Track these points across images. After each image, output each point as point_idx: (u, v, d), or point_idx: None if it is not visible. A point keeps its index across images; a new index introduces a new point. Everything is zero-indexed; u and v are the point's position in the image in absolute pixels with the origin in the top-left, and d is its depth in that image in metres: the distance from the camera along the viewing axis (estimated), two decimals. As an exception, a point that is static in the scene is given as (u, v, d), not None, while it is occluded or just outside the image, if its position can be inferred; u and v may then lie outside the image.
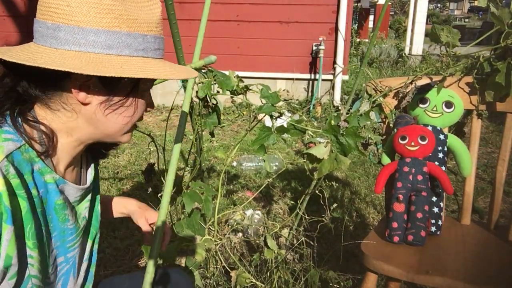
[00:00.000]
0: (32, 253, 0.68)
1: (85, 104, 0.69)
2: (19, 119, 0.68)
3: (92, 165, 0.88)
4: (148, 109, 0.78)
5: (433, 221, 1.40)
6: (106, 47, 0.64)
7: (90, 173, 0.86)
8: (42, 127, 0.69)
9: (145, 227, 1.05)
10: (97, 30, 0.63)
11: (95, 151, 0.88)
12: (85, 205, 0.83)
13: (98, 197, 0.91)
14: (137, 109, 0.74)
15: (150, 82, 0.75)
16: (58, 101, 0.69)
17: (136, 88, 0.72)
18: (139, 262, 1.97)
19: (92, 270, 0.90)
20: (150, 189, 1.48)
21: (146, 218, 1.06)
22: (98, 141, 0.77)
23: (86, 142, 0.76)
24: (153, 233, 1.02)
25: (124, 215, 1.10)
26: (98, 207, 0.91)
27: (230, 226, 2.05)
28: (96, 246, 0.91)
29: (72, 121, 0.71)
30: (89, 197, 0.85)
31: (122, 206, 1.08)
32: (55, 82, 0.67)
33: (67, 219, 0.77)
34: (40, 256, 0.70)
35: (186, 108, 1.31)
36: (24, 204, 0.65)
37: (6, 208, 0.61)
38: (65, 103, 0.69)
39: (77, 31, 0.63)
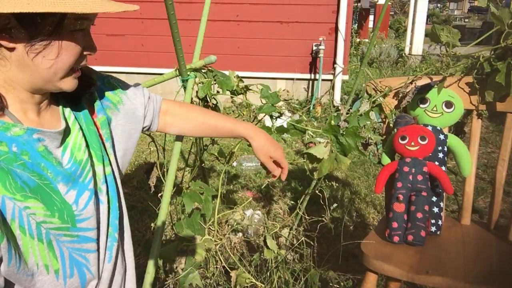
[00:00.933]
0: (26, 204, 0.69)
1: (11, 50, 0.67)
2: None
3: (60, 106, 0.85)
4: (87, 52, 0.74)
5: (433, 221, 1.40)
6: None
7: (72, 113, 0.85)
8: None
9: (268, 165, 1.09)
10: None
11: (70, 99, 0.86)
12: (78, 136, 0.83)
13: (89, 120, 0.88)
14: (63, 50, 0.70)
15: (80, 20, 0.69)
16: None
17: (59, 28, 0.67)
18: (140, 262, 1.97)
19: (111, 195, 0.88)
20: (153, 184, 1.47)
21: (271, 156, 1.08)
22: (46, 91, 0.76)
23: (34, 92, 0.74)
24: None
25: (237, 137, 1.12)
26: (92, 129, 0.87)
27: (230, 226, 2.05)
28: (108, 168, 0.88)
29: (8, 71, 0.70)
30: (76, 126, 0.84)
31: (240, 137, 1.09)
32: None
33: (59, 162, 0.77)
34: (43, 203, 0.71)
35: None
36: None
37: None
38: None
39: None
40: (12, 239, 0.68)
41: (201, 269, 1.78)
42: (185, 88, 1.39)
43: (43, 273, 0.72)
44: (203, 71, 1.40)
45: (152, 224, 2.21)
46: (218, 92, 1.43)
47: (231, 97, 1.47)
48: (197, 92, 1.41)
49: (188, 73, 1.38)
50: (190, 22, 4.20)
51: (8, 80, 0.71)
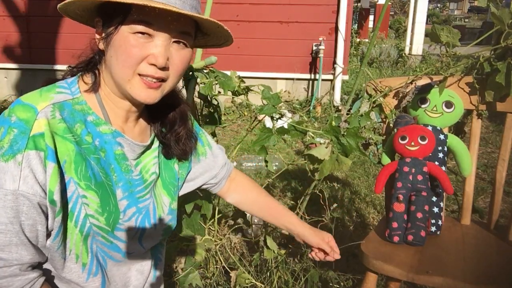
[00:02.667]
0: (85, 193, 0.75)
1: (99, 47, 0.78)
2: (84, 73, 0.80)
3: (156, 127, 0.90)
4: (151, 62, 0.74)
5: (433, 221, 1.41)
6: None
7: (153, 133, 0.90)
8: (95, 71, 0.80)
9: (321, 245, 1.09)
10: None
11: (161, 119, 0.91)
12: (152, 161, 0.88)
13: (172, 161, 0.94)
14: (120, 48, 0.72)
15: (141, 23, 0.71)
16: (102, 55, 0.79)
17: (121, 24, 0.72)
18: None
19: (171, 224, 0.94)
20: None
21: (322, 237, 1.10)
22: (125, 94, 0.79)
23: (118, 94, 0.80)
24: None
25: (289, 231, 1.13)
26: (173, 165, 0.94)
27: (230, 226, 2.05)
28: (175, 204, 0.94)
29: (104, 70, 0.79)
30: (155, 154, 0.89)
31: (289, 223, 1.11)
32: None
33: (130, 169, 0.82)
34: (100, 199, 0.76)
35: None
36: (72, 147, 0.73)
37: (47, 146, 0.69)
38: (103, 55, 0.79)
39: None
40: (64, 218, 0.74)
41: (201, 269, 1.78)
42: (187, 88, 1.39)
43: (72, 260, 0.78)
44: (205, 71, 1.40)
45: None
46: (219, 92, 1.43)
47: (232, 98, 1.47)
48: (198, 92, 1.41)
49: (189, 73, 1.38)
50: (190, 22, 4.20)
51: (104, 78, 0.79)
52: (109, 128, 0.79)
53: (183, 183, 1.00)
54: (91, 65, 0.80)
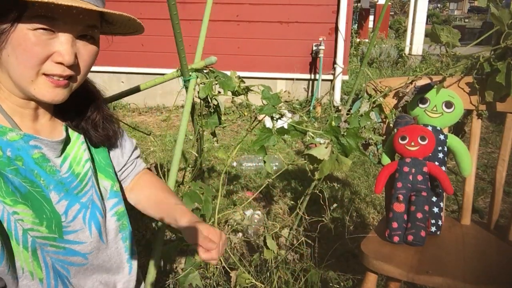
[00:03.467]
0: (15, 209, 0.68)
1: None
2: None
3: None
4: (56, 60, 0.68)
5: (433, 221, 1.41)
6: None
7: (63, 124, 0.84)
8: None
9: (198, 241, 0.86)
10: None
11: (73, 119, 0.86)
12: (81, 148, 0.83)
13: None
14: (19, 46, 0.65)
15: (43, 18, 0.65)
16: None
17: (17, 21, 0.64)
18: (140, 262, 1.97)
19: (120, 206, 0.88)
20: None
21: (200, 230, 0.87)
22: (26, 95, 0.73)
23: (20, 96, 0.72)
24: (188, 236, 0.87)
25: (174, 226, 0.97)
26: (102, 147, 0.90)
27: (230, 226, 2.05)
28: (117, 185, 0.89)
29: None
30: (81, 139, 0.84)
31: (174, 220, 0.92)
32: None
33: (56, 170, 0.77)
34: (33, 210, 0.70)
35: (187, 110, 1.31)
36: None
37: None
38: None
39: None
40: (3, 240, 0.67)
41: (201, 269, 1.78)
42: (186, 88, 1.39)
43: (28, 278, 0.71)
44: (205, 71, 1.40)
45: (153, 224, 2.21)
46: (219, 92, 1.43)
47: (232, 98, 1.47)
48: (198, 92, 1.41)
49: (190, 73, 1.38)
50: (190, 22, 4.20)
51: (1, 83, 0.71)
52: (17, 134, 0.71)
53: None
54: None
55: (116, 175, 0.93)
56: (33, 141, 0.74)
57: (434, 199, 1.43)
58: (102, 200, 0.85)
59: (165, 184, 1.07)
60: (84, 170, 0.82)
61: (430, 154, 1.40)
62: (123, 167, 0.99)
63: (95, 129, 0.86)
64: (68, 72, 0.70)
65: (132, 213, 0.99)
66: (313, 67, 5.06)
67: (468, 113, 1.52)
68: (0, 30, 0.65)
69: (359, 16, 13.26)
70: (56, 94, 0.71)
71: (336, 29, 4.88)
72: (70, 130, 0.84)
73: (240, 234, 2.12)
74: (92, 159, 0.86)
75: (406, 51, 8.19)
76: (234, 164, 3.23)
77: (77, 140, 0.84)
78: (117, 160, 0.97)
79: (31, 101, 0.74)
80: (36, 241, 0.71)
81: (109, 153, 0.94)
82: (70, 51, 0.68)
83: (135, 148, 1.03)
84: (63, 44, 0.67)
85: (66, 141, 0.81)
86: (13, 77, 0.69)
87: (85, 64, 0.73)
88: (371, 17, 14.48)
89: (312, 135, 1.41)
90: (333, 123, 1.42)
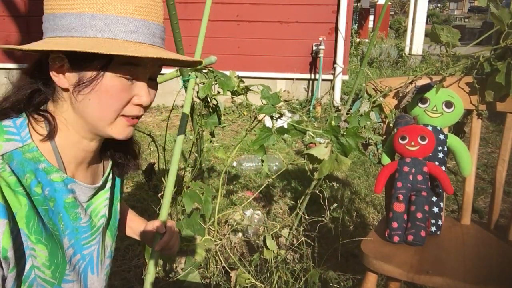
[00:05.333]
0: (35, 246, 0.70)
1: (66, 90, 0.71)
2: (31, 111, 0.72)
3: (109, 165, 0.88)
4: (136, 102, 0.72)
5: (433, 221, 1.41)
6: (69, 30, 0.66)
7: (111, 181, 0.88)
8: (48, 115, 0.72)
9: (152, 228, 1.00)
10: (64, 14, 0.66)
11: (118, 167, 0.90)
12: (103, 203, 0.85)
13: (118, 197, 0.92)
14: (106, 93, 0.69)
15: (128, 65, 0.69)
16: (56, 93, 0.73)
17: (104, 69, 0.68)
18: (139, 262, 1.97)
19: (110, 267, 0.92)
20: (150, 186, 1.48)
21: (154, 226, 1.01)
22: (98, 136, 0.77)
23: (85, 136, 0.75)
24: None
25: (136, 237, 1.08)
26: (117, 206, 0.92)
27: (230, 226, 2.05)
28: (114, 245, 0.93)
29: (65, 112, 0.73)
30: (107, 195, 0.86)
31: (133, 232, 1.06)
32: (41, 70, 0.71)
33: (79, 217, 0.78)
34: (49, 251, 0.72)
35: (187, 110, 1.31)
36: (24, 201, 0.68)
37: None
38: (58, 93, 0.72)
39: (51, 18, 0.67)
40: (19, 274, 0.69)
41: (201, 269, 1.78)
42: (186, 88, 1.39)
43: None
44: (204, 71, 1.40)
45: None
46: (218, 92, 1.43)
47: (232, 98, 1.47)
48: (197, 92, 1.41)
49: (189, 73, 1.38)
50: (190, 22, 4.20)
51: (65, 120, 0.73)
52: (60, 176, 0.73)
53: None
54: (34, 102, 0.74)
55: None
56: (71, 185, 0.76)
57: (434, 199, 1.43)
58: (98, 257, 0.85)
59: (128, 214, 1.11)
60: (99, 224, 0.84)
61: (430, 154, 1.40)
62: None
63: (134, 158, 0.92)
64: (143, 112, 0.75)
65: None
66: (313, 67, 5.06)
67: (468, 113, 1.52)
68: (88, 78, 0.68)
69: (359, 16, 13.25)
70: (129, 132, 0.76)
71: (336, 29, 4.88)
72: (108, 180, 0.87)
73: (240, 234, 2.12)
74: (107, 216, 0.88)
75: (406, 51, 8.19)
76: (234, 164, 3.23)
77: (105, 193, 0.86)
78: None
79: (92, 142, 0.77)
80: (36, 280, 0.72)
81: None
82: (148, 93, 0.73)
83: None
84: (142, 88, 0.72)
85: (100, 188, 0.84)
86: (91, 120, 0.72)
87: (151, 102, 0.77)
88: (371, 17, 14.48)
89: (312, 134, 1.41)
90: (333, 123, 1.42)
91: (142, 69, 0.71)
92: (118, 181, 0.92)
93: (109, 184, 0.87)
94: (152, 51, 0.67)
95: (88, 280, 0.83)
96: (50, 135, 0.72)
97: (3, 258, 0.65)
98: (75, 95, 0.69)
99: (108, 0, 0.66)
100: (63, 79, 0.69)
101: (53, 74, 0.69)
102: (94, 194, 0.83)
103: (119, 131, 0.74)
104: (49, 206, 0.72)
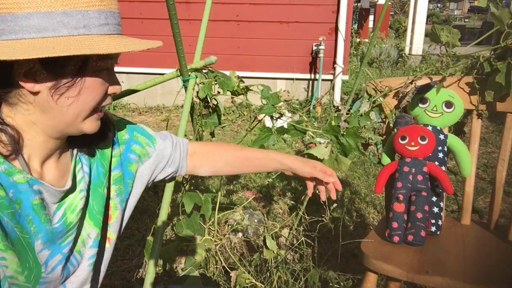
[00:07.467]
0: (4, 254, 0.67)
1: (35, 94, 0.66)
2: None
3: (86, 159, 0.83)
4: (111, 91, 0.73)
5: (433, 221, 1.41)
6: (40, 30, 0.61)
7: (83, 170, 0.82)
8: (9, 129, 0.67)
9: (314, 174, 1.02)
10: (29, 14, 0.61)
11: (86, 146, 0.84)
12: (78, 196, 0.80)
13: (103, 182, 0.85)
14: (87, 90, 0.68)
15: (104, 60, 0.69)
16: (14, 96, 0.67)
17: (83, 69, 0.67)
18: (140, 262, 1.97)
19: (96, 257, 0.86)
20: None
21: (313, 165, 1.02)
22: (67, 135, 0.75)
23: (54, 136, 0.73)
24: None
25: (278, 170, 1.06)
26: (102, 191, 0.85)
27: (230, 226, 2.05)
28: (100, 235, 0.86)
29: (30, 114, 0.69)
30: (80, 186, 0.80)
31: (274, 162, 1.04)
32: (1, 75, 0.66)
33: (49, 219, 0.74)
34: (19, 257, 0.69)
35: (187, 109, 1.31)
36: None
37: None
38: (20, 96, 0.67)
39: (10, 19, 0.61)
40: None
41: (201, 269, 1.78)
42: (186, 88, 1.39)
43: None
44: (204, 71, 1.40)
45: (153, 224, 2.21)
46: (218, 92, 1.43)
47: (232, 98, 1.47)
48: (197, 92, 1.41)
49: (189, 73, 1.38)
50: (190, 22, 4.21)
51: (29, 122, 0.70)
52: (24, 177, 0.69)
53: (128, 195, 0.93)
54: None
55: (102, 219, 0.88)
56: (37, 186, 0.71)
57: (434, 199, 1.43)
58: (78, 248, 0.81)
59: (222, 143, 1.11)
60: (76, 219, 0.79)
61: (430, 154, 1.40)
62: (167, 162, 0.99)
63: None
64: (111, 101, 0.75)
65: (132, 213, 0.98)
66: (313, 67, 5.06)
67: (468, 113, 1.52)
68: (69, 78, 0.66)
69: (359, 16, 13.25)
70: (98, 125, 0.75)
71: (336, 29, 4.88)
72: (77, 173, 0.81)
73: (240, 234, 2.12)
74: (86, 205, 0.83)
75: (406, 51, 8.20)
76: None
77: (78, 186, 0.81)
78: (160, 164, 0.97)
79: (58, 140, 0.74)
80: None
81: (144, 165, 0.94)
82: (118, 80, 0.74)
83: (171, 137, 1.01)
84: (113, 76, 0.73)
85: (69, 190, 0.79)
86: (66, 119, 0.70)
87: None
88: (371, 17, 14.48)
89: (312, 134, 1.41)
90: (333, 123, 1.42)
91: (112, 60, 0.72)
92: (98, 164, 0.85)
93: (80, 175, 0.81)
94: (128, 42, 0.68)
95: (70, 274, 0.79)
96: (15, 150, 0.68)
97: None
98: (54, 98, 0.67)
99: None
100: (33, 83, 0.65)
101: (20, 79, 0.64)
102: (65, 196, 0.78)
103: (92, 125, 0.73)
104: (15, 209, 0.68)
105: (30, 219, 0.70)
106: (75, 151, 0.82)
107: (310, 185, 1.06)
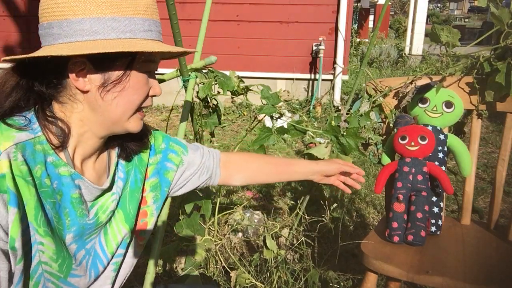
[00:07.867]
0: (43, 240, 0.71)
1: (85, 92, 0.73)
2: (40, 116, 0.73)
3: (123, 166, 0.88)
4: (152, 93, 0.79)
5: (433, 221, 1.41)
6: (92, 33, 0.68)
7: (118, 175, 0.87)
8: (59, 122, 0.73)
9: (343, 168, 1.13)
10: (82, 19, 0.68)
11: (125, 151, 0.89)
12: (110, 198, 0.85)
13: (139, 186, 0.90)
14: (132, 90, 0.75)
15: (147, 62, 0.76)
16: (66, 95, 0.73)
17: (130, 68, 0.73)
18: (140, 262, 1.97)
19: (130, 261, 0.91)
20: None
21: (337, 162, 1.14)
22: (113, 133, 0.79)
23: (99, 134, 0.78)
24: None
25: (309, 176, 1.17)
26: (137, 195, 0.90)
27: (230, 226, 2.05)
28: (130, 235, 0.90)
29: (80, 112, 0.75)
30: (114, 189, 0.86)
31: (303, 168, 1.16)
32: (54, 75, 0.72)
33: (85, 214, 0.79)
34: (55, 245, 0.73)
35: (187, 107, 1.31)
36: (33, 191, 0.68)
37: (9, 190, 0.65)
38: (71, 95, 0.73)
39: (66, 24, 0.68)
40: (26, 266, 0.70)
41: (201, 269, 1.78)
42: (186, 88, 1.39)
43: None
44: (204, 71, 1.40)
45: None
46: (218, 92, 1.43)
47: (232, 98, 1.47)
48: (197, 92, 1.41)
49: (189, 73, 1.38)
50: (190, 22, 4.21)
51: (78, 120, 0.75)
52: (68, 170, 0.74)
53: (164, 201, 0.98)
54: (39, 100, 0.74)
55: (135, 229, 0.93)
56: (78, 181, 0.76)
57: (434, 199, 1.43)
58: (103, 248, 0.85)
59: (253, 153, 1.19)
60: (106, 220, 0.84)
61: (430, 154, 1.40)
62: (201, 170, 1.04)
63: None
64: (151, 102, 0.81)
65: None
66: (313, 67, 5.06)
67: (468, 113, 1.52)
68: (116, 76, 0.73)
69: (359, 16, 13.25)
70: (142, 124, 0.81)
71: (336, 29, 4.88)
72: (116, 175, 0.87)
73: (240, 234, 2.12)
74: (117, 208, 0.87)
75: (406, 51, 8.20)
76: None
77: (112, 188, 0.86)
78: (193, 173, 1.03)
79: (102, 139, 0.79)
80: (43, 275, 0.73)
81: (177, 173, 0.99)
82: (158, 84, 0.80)
83: (196, 149, 1.05)
84: (154, 80, 0.79)
85: (106, 190, 0.84)
86: (113, 116, 0.75)
87: None
88: (371, 17, 14.48)
89: (312, 134, 1.41)
90: (333, 123, 1.42)
91: (154, 65, 0.78)
92: (137, 170, 0.90)
93: (115, 189, 0.86)
94: (169, 46, 0.74)
95: (97, 273, 0.84)
96: (64, 142, 0.74)
97: (10, 248, 0.66)
98: (102, 95, 0.72)
99: (121, 2, 0.69)
100: (84, 82, 0.71)
101: (73, 78, 0.71)
102: (101, 195, 0.83)
103: (136, 124, 0.79)
104: (57, 199, 0.73)
105: (66, 212, 0.75)
106: (114, 155, 0.87)
107: (340, 184, 1.17)
